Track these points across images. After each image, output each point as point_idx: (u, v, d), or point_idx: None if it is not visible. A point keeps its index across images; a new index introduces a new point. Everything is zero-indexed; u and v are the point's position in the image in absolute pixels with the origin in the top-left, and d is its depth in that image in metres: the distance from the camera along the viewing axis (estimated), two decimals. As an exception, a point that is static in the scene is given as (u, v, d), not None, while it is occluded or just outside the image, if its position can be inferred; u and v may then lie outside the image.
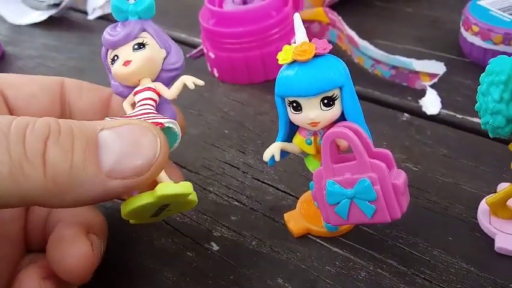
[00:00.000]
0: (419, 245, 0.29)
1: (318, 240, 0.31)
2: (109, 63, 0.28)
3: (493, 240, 0.29)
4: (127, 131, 0.23)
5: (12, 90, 0.30)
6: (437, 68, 0.40)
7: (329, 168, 0.26)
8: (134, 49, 0.27)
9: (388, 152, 0.26)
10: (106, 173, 0.22)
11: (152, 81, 0.28)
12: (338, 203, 0.26)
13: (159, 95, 0.28)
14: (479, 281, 0.27)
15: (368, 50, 0.43)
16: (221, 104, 0.44)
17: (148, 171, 0.23)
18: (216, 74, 0.47)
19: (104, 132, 0.23)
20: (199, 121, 0.42)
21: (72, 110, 0.31)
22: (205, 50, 0.47)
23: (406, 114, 0.39)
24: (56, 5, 0.64)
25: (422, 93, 0.41)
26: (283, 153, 0.28)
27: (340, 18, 0.45)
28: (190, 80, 0.28)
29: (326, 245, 0.30)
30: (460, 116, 0.38)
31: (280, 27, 0.44)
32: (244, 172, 0.36)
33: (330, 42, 0.26)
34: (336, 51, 0.48)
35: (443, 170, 0.34)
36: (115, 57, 0.27)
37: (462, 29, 0.44)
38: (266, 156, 0.28)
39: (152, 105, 0.27)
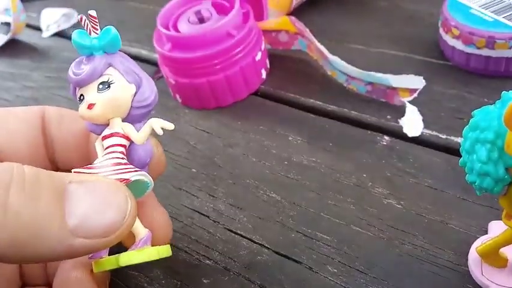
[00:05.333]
0: (407, 303, 0.27)
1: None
2: (78, 102, 0.26)
3: (486, 292, 0.26)
4: (97, 188, 0.22)
5: None
6: (416, 82, 0.36)
7: None
8: (98, 89, 0.25)
9: None
10: (71, 230, 0.21)
11: (123, 120, 0.26)
12: None
13: (129, 138, 0.26)
14: None
15: (339, 66, 0.39)
16: (187, 135, 0.41)
17: (114, 234, 0.22)
18: (179, 100, 0.44)
19: (73, 185, 0.21)
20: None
21: (53, 143, 0.29)
22: (164, 75, 0.43)
23: (386, 137, 0.36)
24: (7, 24, 0.60)
25: (401, 109, 0.37)
26: None
27: (307, 29, 0.41)
28: (158, 125, 0.25)
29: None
30: (444, 137, 0.35)
31: (243, 45, 0.40)
32: (215, 221, 0.34)
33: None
34: (308, 61, 0.44)
35: (429, 205, 0.31)
36: (81, 97, 0.25)
37: (441, 31, 0.41)
38: None
39: (121, 152, 0.25)
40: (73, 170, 0.24)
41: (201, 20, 0.42)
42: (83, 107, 0.25)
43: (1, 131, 0.27)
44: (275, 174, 0.36)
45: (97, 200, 0.22)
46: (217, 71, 0.40)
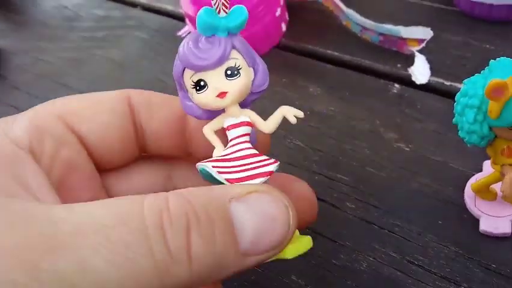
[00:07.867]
0: (413, 231, 0.33)
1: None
2: (190, 86, 0.23)
3: (478, 221, 0.32)
4: (258, 203, 0.21)
5: (84, 124, 0.26)
6: (424, 33, 0.40)
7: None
8: (227, 76, 0.22)
9: None
10: (242, 253, 0.21)
11: (240, 106, 0.24)
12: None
13: (253, 126, 0.24)
14: (465, 263, 0.31)
15: (354, 17, 0.42)
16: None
17: (280, 246, 0.22)
18: (208, 56, 0.48)
19: (236, 205, 0.20)
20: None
21: (145, 133, 0.27)
22: (193, 34, 0.47)
23: (397, 85, 0.40)
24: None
25: (411, 58, 0.41)
26: None
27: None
28: (291, 114, 0.24)
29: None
30: (448, 83, 0.39)
31: (264, 3, 0.44)
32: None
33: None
34: (323, 12, 0.47)
35: (433, 148, 0.36)
36: (201, 83, 0.23)
37: (449, -22, 0.43)
38: None
39: (248, 142, 0.24)
40: (208, 162, 0.23)
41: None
42: (210, 95, 0.23)
43: (92, 127, 0.26)
44: (299, 124, 0.40)
45: (262, 218, 0.21)
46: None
